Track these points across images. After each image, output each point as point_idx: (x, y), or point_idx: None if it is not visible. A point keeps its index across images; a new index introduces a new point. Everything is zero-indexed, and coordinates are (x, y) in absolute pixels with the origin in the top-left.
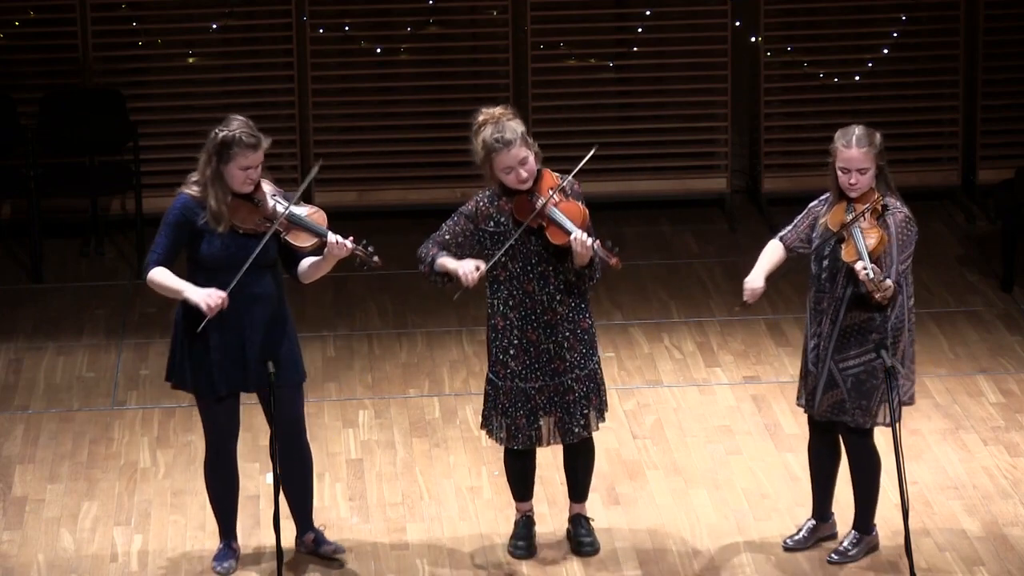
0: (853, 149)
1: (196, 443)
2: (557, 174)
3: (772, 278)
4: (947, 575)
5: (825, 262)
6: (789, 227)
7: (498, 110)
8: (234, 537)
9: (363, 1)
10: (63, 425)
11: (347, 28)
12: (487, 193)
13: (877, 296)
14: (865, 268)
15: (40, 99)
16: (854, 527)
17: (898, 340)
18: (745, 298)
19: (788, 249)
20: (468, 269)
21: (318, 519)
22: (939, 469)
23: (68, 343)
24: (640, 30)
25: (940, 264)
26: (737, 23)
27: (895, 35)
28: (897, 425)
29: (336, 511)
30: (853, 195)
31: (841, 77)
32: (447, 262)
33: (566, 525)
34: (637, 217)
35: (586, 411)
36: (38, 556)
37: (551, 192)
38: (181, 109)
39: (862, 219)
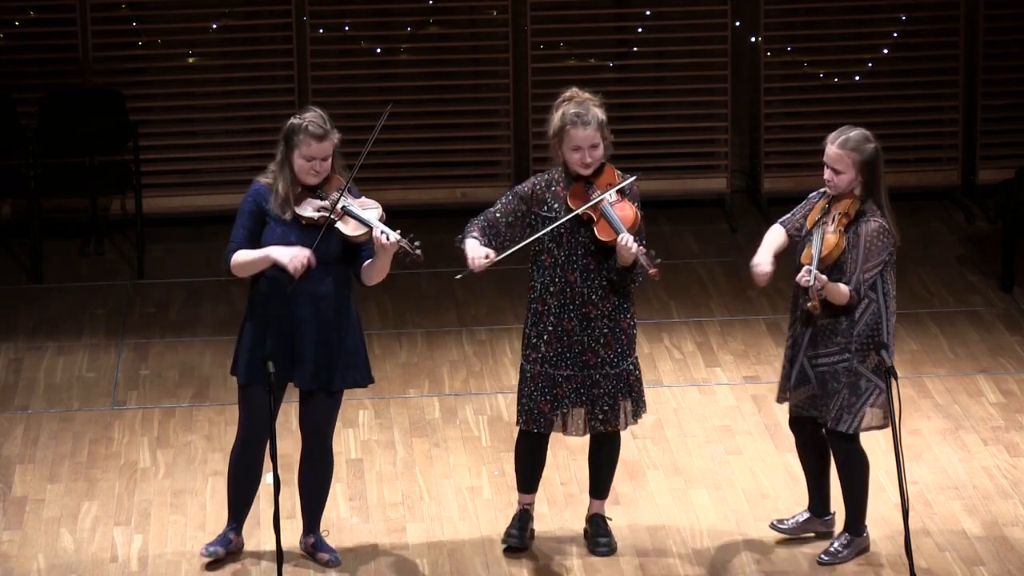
0: (831, 145)
1: (196, 443)
2: (620, 172)
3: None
4: (947, 575)
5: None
6: (788, 214)
7: (586, 94)
8: (238, 530)
9: (363, 1)
10: (63, 425)
11: (347, 28)
12: (545, 177)
13: (808, 305)
14: (809, 272)
15: (40, 99)
16: (845, 529)
17: (868, 350)
18: (758, 283)
19: (789, 235)
20: (478, 254)
21: (322, 528)
22: (939, 469)
23: (68, 343)
24: (640, 30)
25: (940, 264)
26: (737, 23)
27: (895, 35)
28: (897, 425)
29: (336, 511)
30: (831, 193)
31: (841, 77)
32: (469, 244)
33: (565, 525)
34: None
35: (607, 407)
36: (38, 556)
37: (609, 188)
38: (181, 109)
39: (829, 222)
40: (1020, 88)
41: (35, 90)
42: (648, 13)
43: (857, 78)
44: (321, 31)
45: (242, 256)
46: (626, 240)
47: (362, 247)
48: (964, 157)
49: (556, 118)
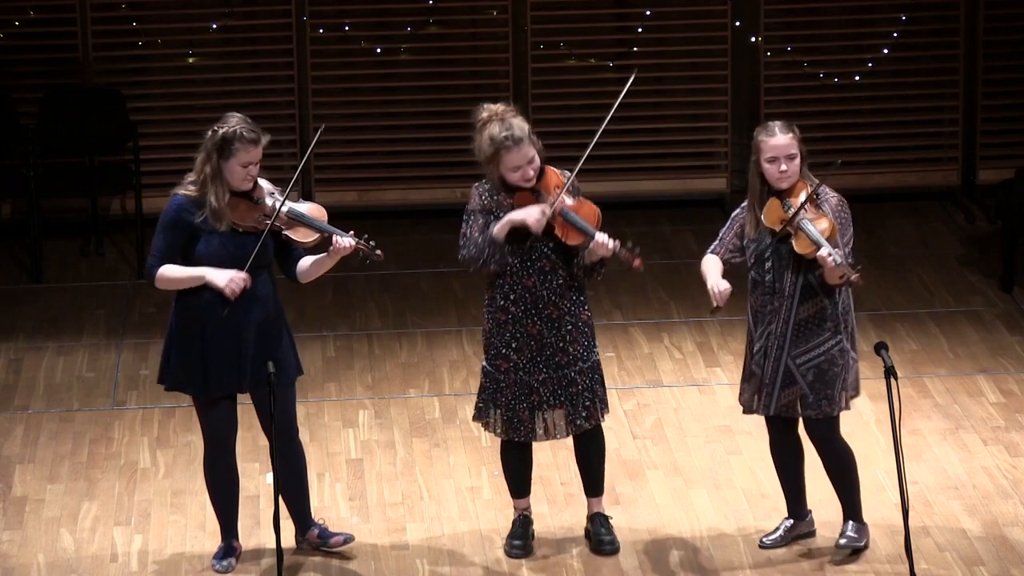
0: (778, 136)
1: (196, 443)
2: (559, 171)
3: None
4: (947, 575)
5: (768, 263)
6: (715, 242)
7: (500, 107)
8: (235, 536)
9: (363, 1)
10: (63, 425)
11: (347, 28)
12: (485, 187)
13: (853, 278)
14: (830, 254)
15: (40, 99)
16: (849, 518)
17: (847, 322)
18: (717, 303)
19: (723, 261)
20: (535, 216)
21: (316, 517)
22: (939, 469)
23: (68, 343)
24: (640, 30)
25: (940, 264)
26: (737, 23)
27: (895, 35)
28: (897, 425)
29: (336, 511)
30: (784, 186)
31: (841, 77)
32: (508, 217)
33: (565, 525)
34: (637, 217)
35: (588, 402)
36: (38, 556)
37: (559, 192)
38: (181, 109)
39: (804, 210)
40: (1020, 88)
41: (35, 90)
42: (648, 13)
43: (857, 78)
44: (321, 31)
45: (171, 272)
46: (602, 239)
47: (296, 247)
48: (964, 157)
49: (484, 143)
